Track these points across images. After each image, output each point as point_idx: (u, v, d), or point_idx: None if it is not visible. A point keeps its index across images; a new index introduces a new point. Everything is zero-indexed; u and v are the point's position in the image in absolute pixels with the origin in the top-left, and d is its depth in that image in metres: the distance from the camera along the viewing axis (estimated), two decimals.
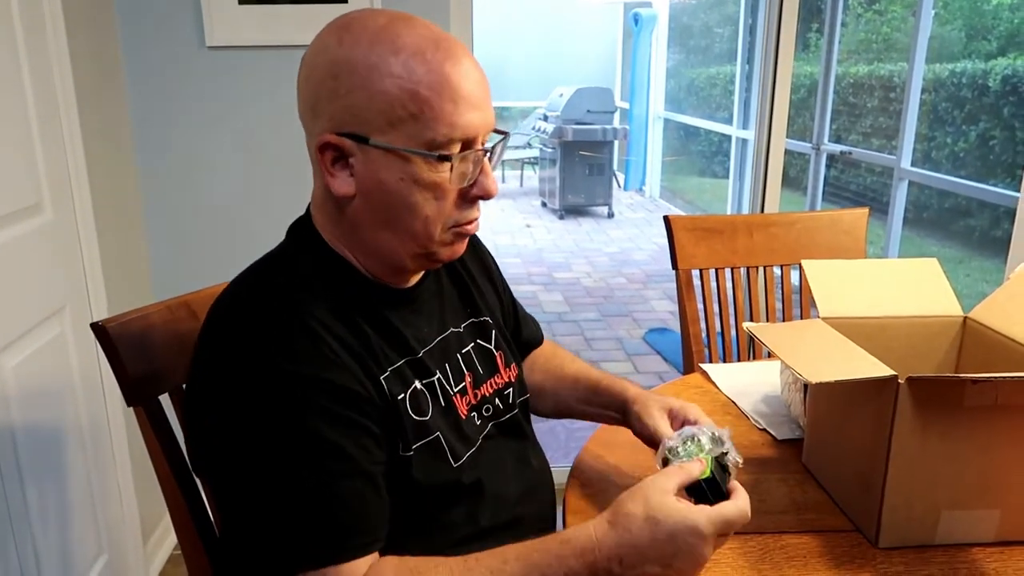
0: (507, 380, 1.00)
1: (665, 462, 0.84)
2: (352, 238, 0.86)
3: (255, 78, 1.98)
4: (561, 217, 6.95)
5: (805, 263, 1.11)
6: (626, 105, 8.41)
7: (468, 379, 0.94)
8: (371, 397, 0.80)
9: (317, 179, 0.86)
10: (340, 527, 0.76)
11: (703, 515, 0.74)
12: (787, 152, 5.26)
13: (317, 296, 0.82)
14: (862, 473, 0.93)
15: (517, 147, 8.41)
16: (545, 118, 7.29)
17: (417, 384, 0.87)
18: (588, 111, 6.82)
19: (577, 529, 0.77)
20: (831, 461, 1.02)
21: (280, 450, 0.75)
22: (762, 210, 2.35)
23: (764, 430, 1.19)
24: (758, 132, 2.33)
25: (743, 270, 1.69)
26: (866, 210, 1.71)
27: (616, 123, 7.11)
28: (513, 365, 1.02)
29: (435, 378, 0.89)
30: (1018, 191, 2.16)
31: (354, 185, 0.81)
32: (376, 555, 0.78)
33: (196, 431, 0.82)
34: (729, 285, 1.69)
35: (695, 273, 1.65)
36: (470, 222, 0.86)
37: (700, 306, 1.66)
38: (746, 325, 1.03)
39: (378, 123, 0.77)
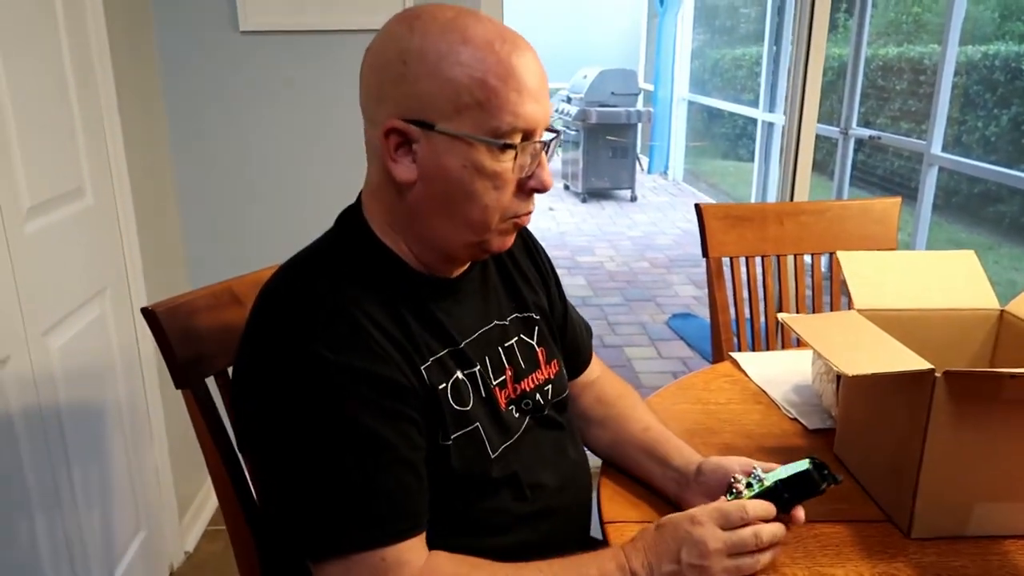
0: (547, 376, 1.01)
1: (728, 487, 0.89)
2: (406, 226, 0.87)
3: (287, 62, 1.99)
4: (584, 200, 6.94)
5: (841, 254, 1.11)
6: (650, 87, 8.35)
7: (509, 373, 0.95)
8: (413, 387, 0.82)
9: (374, 166, 0.87)
10: (383, 511, 0.79)
11: (699, 508, 0.83)
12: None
13: (362, 287, 0.84)
14: (896, 464, 0.94)
15: None
16: (568, 100, 7.26)
17: (459, 374, 0.89)
18: (612, 93, 6.78)
19: (607, 549, 0.85)
20: (863, 451, 1.03)
21: (323, 436, 0.77)
22: (792, 196, 2.34)
23: (795, 419, 1.20)
24: (788, 117, 2.32)
25: (773, 258, 1.69)
26: (898, 199, 1.70)
27: (640, 105, 7.07)
28: (555, 362, 1.02)
29: (476, 369, 0.91)
30: None
31: (416, 171, 0.82)
32: (420, 539, 0.81)
33: (242, 413, 0.85)
34: (759, 273, 1.69)
35: (725, 261, 1.66)
36: (525, 214, 0.87)
37: (730, 294, 1.67)
38: (780, 315, 1.04)
39: (445, 110, 0.79)
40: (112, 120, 1.67)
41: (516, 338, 0.99)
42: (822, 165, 5.75)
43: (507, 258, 1.02)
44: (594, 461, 1.06)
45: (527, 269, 1.05)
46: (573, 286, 4.53)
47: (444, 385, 0.86)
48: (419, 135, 0.81)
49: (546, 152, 0.86)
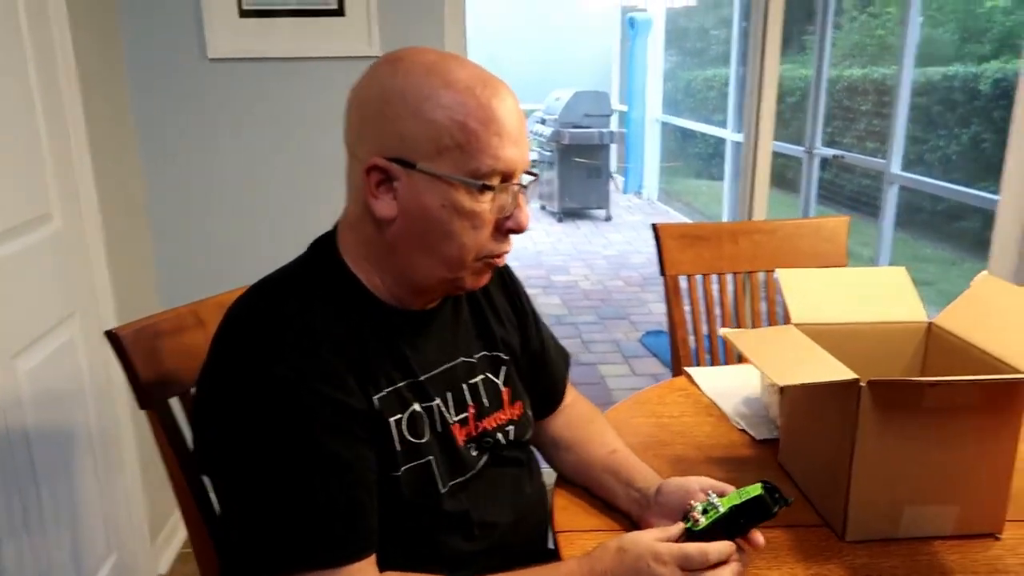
0: (510, 417, 1.02)
1: (684, 514, 0.92)
2: (383, 260, 0.90)
3: (255, 89, 2.04)
4: (560, 220, 7.02)
5: (779, 272, 1.17)
6: (624, 108, 8.48)
7: (471, 410, 0.97)
8: (366, 412, 0.85)
9: (354, 200, 0.90)
10: (341, 530, 0.81)
11: (665, 546, 0.84)
12: (782, 155, 5.30)
13: (328, 312, 0.87)
14: (830, 471, 0.99)
15: None
16: (543, 121, 7.35)
17: (416, 407, 0.91)
18: (585, 115, 6.88)
19: (563, 562, 0.88)
20: (802, 459, 1.08)
21: (283, 454, 0.80)
22: (750, 213, 2.41)
23: (744, 431, 1.25)
24: (745, 135, 2.39)
25: (729, 276, 1.75)
26: (846, 218, 1.77)
27: (614, 126, 7.17)
28: (519, 403, 1.04)
29: (435, 403, 0.93)
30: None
31: (396, 208, 0.85)
32: (373, 559, 0.84)
33: (202, 433, 0.87)
34: (715, 290, 1.75)
35: (683, 279, 1.71)
36: (501, 255, 0.90)
37: (688, 310, 1.72)
38: (722, 331, 1.09)
39: (426, 150, 0.82)
40: (80, 145, 1.70)
41: (482, 376, 1.01)
42: (792, 183, 5.87)
43: (481, 295, 1.04)
44: (549, 479, 1.10)
45: (501, 306, 1.07)
46: (548, 305, 4.59)
47: (399, 416, 0.89)
48: (400, 173, 0.84)
49: (524, 194, 0.89)
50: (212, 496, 1.06)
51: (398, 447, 0.88)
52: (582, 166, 6.86)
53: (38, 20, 1.55)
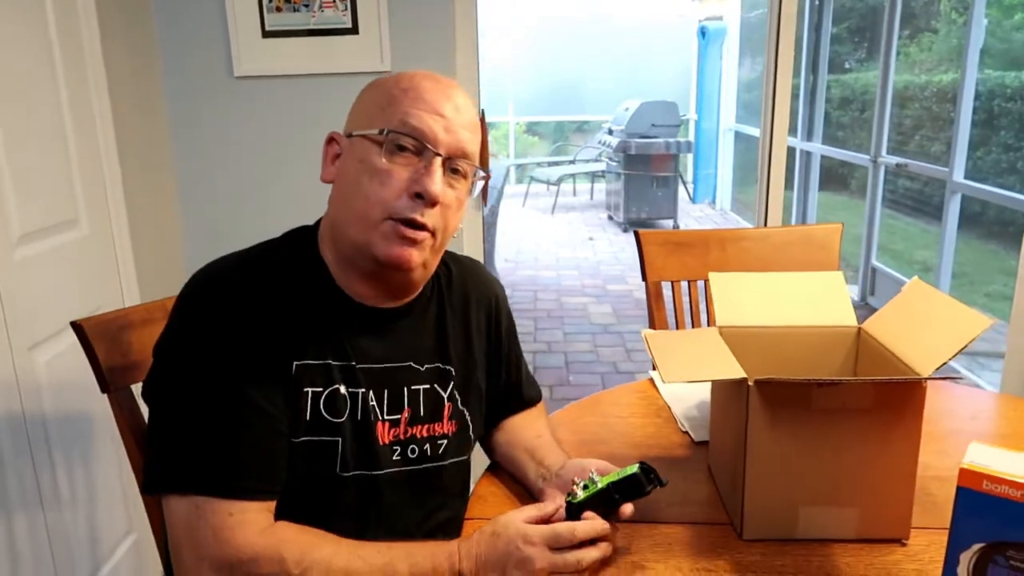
0: (444, 432, 1.05)
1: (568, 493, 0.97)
2: (330, 232, 0.99)
3: (277, 103, 2.17)
4: (625, 230, 6.99)
5: (711, 275, 1.18)
6: (696, 117, 8.38)
7: (406, 414, 1.02)
8: (283, 375, 0.92)
9: None
10: (248, 467, 0.88)
11: (534, 528, 0.88)
12: (846, 164, 5.09)
13: (277, 283, 0.95)
14: (731, 469, 1.01)
15: (588, 160, 8.50)
16: (610, 132, 7.35)
17: (342, 388, 0.97)
18: (653, 125, 6.84)
19: (445, 543, 0.91)
20: (717, 459, 1.09)
21: (205, 390, 0.89)
22: (765, 217, 2.38)
23: (686, 432, 1.26)
24: (761, 135, 2.37)
25: None
26: (839, 225, 1.74)
27: (686, 136, 7.10)
28: (455, 423, 1.06)
29: (361, 392, 0.98)
30: None
31: (335, 173, 0.98)
32: (270, 506, 0.90)
33: (150, 369, 0.95)
34: (701, 296, 1.75)
35: (666, 285, 1.73)
36: (407, 220, 0.92)
37: (671, 316, 1.74)
38: (644, 332, 1.11)
39: (360, 120, 0.96)
40: (110, 156, 1.86)
41: (427, 386, 1.04)
42: (857, 191, 5.63)
43: (455, 309, 1.09)
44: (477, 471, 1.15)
45: (477, 327, 1.12)
46: (599, 314, 4.60)
47: (319, 390, 0.95)
48: (343, 142, 0.98)
49: (442, 168, 0.93)
50: None
51: (307, 416, 0.94)
52: (649, 176, 6.82)
53: (68, 26, 1.72)
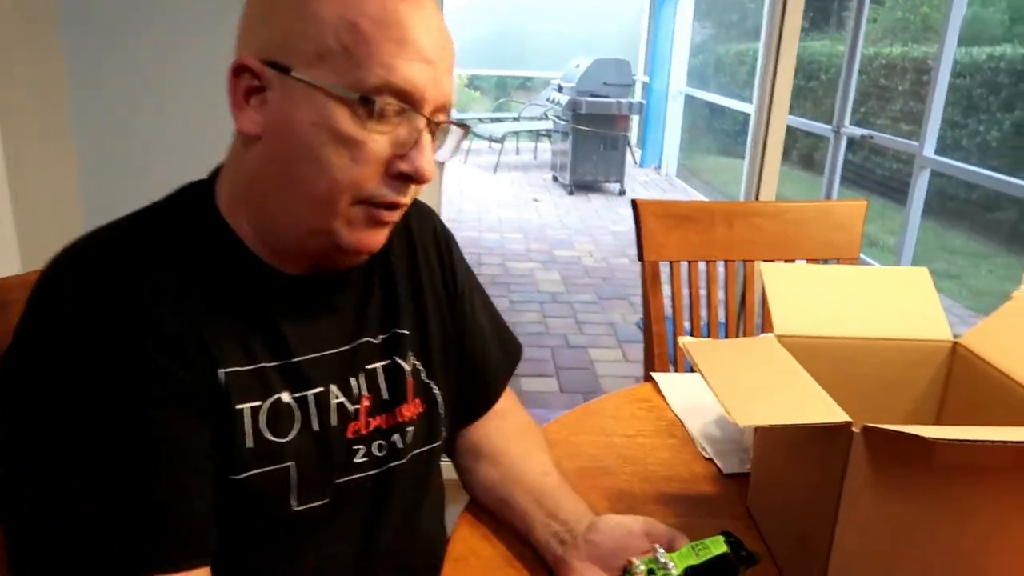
0: (411, 416, 0.80)
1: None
2: (247, 199, 0.69)
3: (184, 12, 1.80)
4: (571, 192, 6.74)
5: (764, 266, 0.92)
6: (648, 79, 8.14)
7: (365, 402, 0.76)
8: (206, 391, 0.65)
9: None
10: (157, 530, 0.61)
11: None
12: (808, 134, 4.97)
13: (172, 263, 0.66)
14: (805, 534, 0.75)
15: (533, 118, 8.19)
16: (560, 89, 7.04)
17: (285, 396, 0.70)
18: (604, 83, 6.56)
19: None
20: (774, 512, 0.84)
21: (86, 437, 0.59)
22: (758, 192, 2.15)
23: (710, 460, 1.01)
24: (758, 108, 2.12)
25: (720, 264, 1.49)
26: (864, 202, 1.50)
27: (635, 97, 6.85)
28: (420, 400, 0.82)
29: (314, 392, 0.72)
30: None
31: (262, 124, 0.66)
32: (204, 572, 0.63)
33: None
34: (703, 280, 1.50)
35: (664, 265, 1.47)
36: (389, 204, 0.68)
37: (668, 303, 1.48)
38: (682, 340, 0.85)
39: (305, 53, 0.64)
40: None
41: (386, 361, 0.79)
42: (820, 166, 5.55)
43: (400, 256, 0.83)
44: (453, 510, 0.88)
45: (428, 277, 0.85)
46: (546, 281, 4.34)
47: (256, 405, 0.68)
48: (273, 80, 0.65)
49: (434, 134, 0.68)
50: None
51: (249, 443, 0.67)
52: (598, 137, 6.55)
53: None
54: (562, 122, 6.77)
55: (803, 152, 7.19)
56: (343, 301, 0.76)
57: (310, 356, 0.72)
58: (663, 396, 1.17)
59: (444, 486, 0.94)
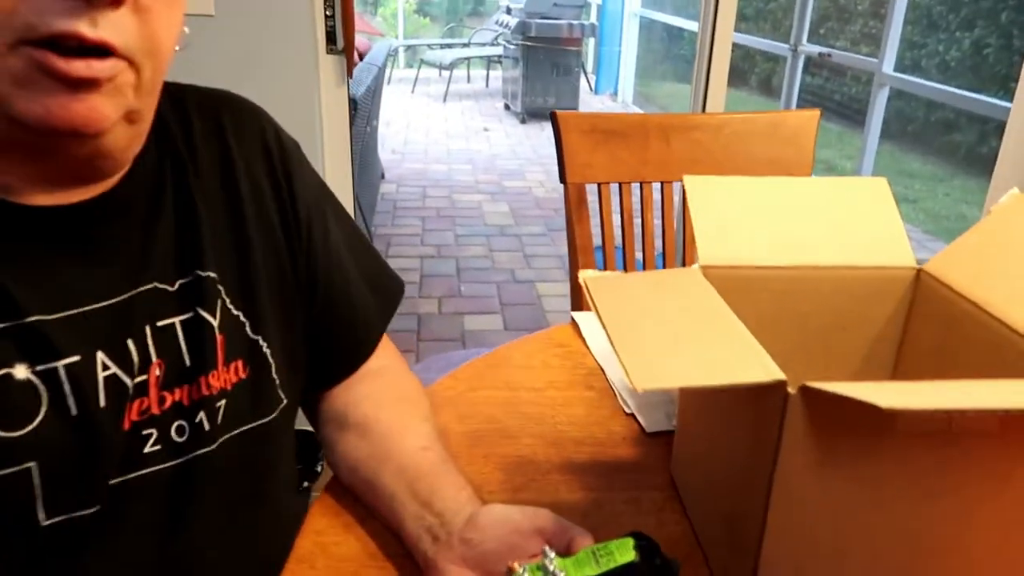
0: (223, 386, 0.62)
1: None
2: None
3: None
4: (523, 121, 6.47)
5: (687, 180, 0.74)
6: (601, 0, 7.81)
7: (156, 372, 0.58)
8: None
9: None
10: None
11: None
12: (768, 58, 4.79)
13: None
14: (732, 516, 0.60)
15: (484, 44, 7.84)
16: (509, 11, 6.71)
17: (18, 371, 0.51)
18: (555, 4, 6.24)
19: None
20: (699, 487, 0.68)
21: None
22: (703, 112, 1.96)
23: (632, 415, 0.85)
24: (702, 22, 1.92)
25: (656, 186, 1.32)
26: (816, 112, 1.33)
27: (588, 18, 6.55)
28: (239, 363, 0.63)
29: (66, 363, 0.53)
30: (1011, 102, 1.79)
31: None
32: None
33: None
34: (637, 203, 1.32)
35: (591, 189, 1.29)
36: (65, 44, 0.46)
37: (597, 230, 1.30)
38: (582, 274, 0.67)
39: None
40: None
41: (188, 315, 0.60)
42: (779, 90, 5.36)
43: (206, 173, 0.62)
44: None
45: (249, 196, 0.65)
46: (494, 213, 4.14)
47: None
48: None
49: None
50: None
51: None
52: (550, 62, 6.26)
53: None
54: (512, 47, 6.46)
55: (762, 77, 6.99)
56: (111, 234, 0.56)
57: (59, 315, 0.53)
58: (584, 340, 1.01)
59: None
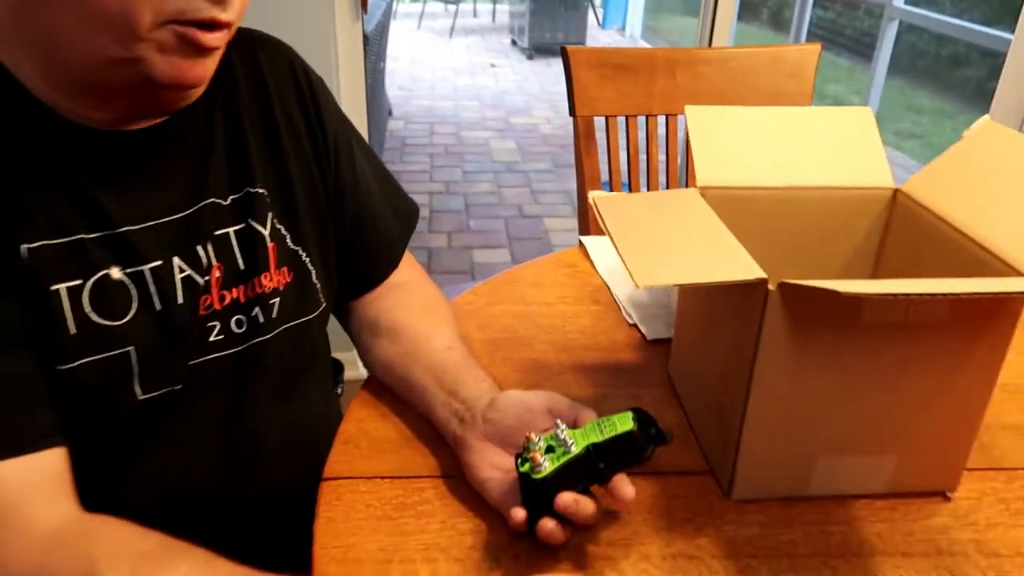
0: (276, 286, 0.71)
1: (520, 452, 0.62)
2: (20, 27, 0.56)
3: None
4: (530, 57, 6.44)
5: (688, 110, 0.81)
6: None
7: (217, 273, 0.67)
8: (9, 268, 0.56)
9: None
10: None
11: None
12: None
13: None
14: (719, 403, 0.69)
15: None
16: None
17: (114, 272, 0.60)
18: None
19: None
20: (693, 380, 0.77)
21: None
22: (710, 44, 2.00)
23: (635, 326, 0.94)
24: None
25: (661, 119, 1.38)
26: (818, 46, 1.38)
27: None
28: (286, 269, 0.72)
29: (151, 267, 0.62)
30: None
31: None
32: (59, 454, 0.57)
33: None
34: (643, 136, 1.39)
35: (599, 121, 1.35)
36: (205, 23, 0.56)
37: (604, 167, 1.37)
38: (592, 195, 0.75)
39: None
40: None
41: (240, 226, 0.69)
42: (788, 24, 5.30)
43: (248, 102, 0.70)
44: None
45: (285, 124, 0.73)
46: (502, 150, 4.19)
47: (76, 284, 0.58)
48: None
49: None
50: None
51: (72, 329, 0.58)
52: None
53: None
54: None
55: (773, 10, 6.90)
56: (177, 157, 0.65)
57: (142, 225, 0.61)
58: (591, 261, 1.09)
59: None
